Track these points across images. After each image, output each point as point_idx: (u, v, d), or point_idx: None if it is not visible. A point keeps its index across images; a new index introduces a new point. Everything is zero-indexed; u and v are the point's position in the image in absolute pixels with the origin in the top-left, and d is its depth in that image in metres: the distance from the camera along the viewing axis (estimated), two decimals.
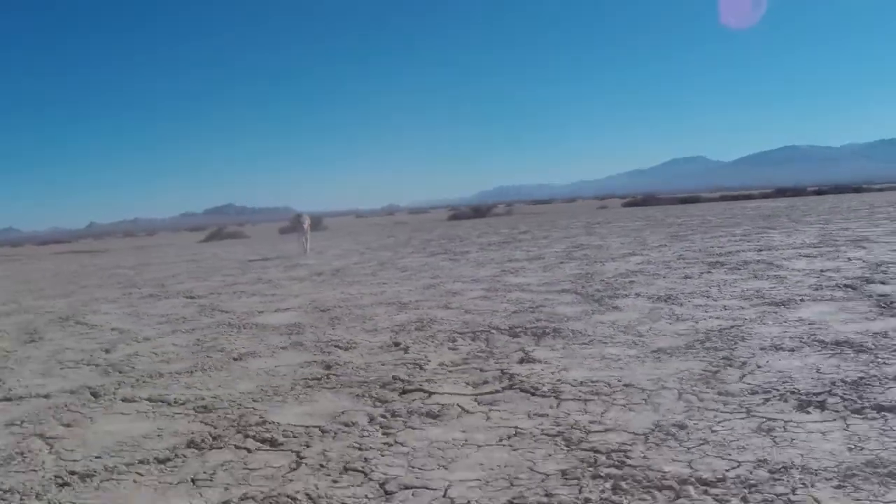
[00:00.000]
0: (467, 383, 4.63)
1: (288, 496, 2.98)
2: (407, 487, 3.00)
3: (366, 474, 3.17)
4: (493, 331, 6.38)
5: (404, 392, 4.52)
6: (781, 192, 66.51)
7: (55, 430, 4.29)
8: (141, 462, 3.57)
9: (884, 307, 6.35)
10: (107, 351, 6.96)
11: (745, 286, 8.16)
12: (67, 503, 3.15)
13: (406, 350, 5.84)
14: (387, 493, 2.96)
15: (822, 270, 9.15)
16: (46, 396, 5.20)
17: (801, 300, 7.02)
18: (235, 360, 5.98)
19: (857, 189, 64.54)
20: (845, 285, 7.77)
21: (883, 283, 7.80)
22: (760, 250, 12.50)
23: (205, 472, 3.36)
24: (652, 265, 11.08)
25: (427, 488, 2.98)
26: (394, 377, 4.92)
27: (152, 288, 13.52)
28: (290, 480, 3.19)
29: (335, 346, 6.21)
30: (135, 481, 3.32)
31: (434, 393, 4.45)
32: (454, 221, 48.76)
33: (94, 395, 5.11)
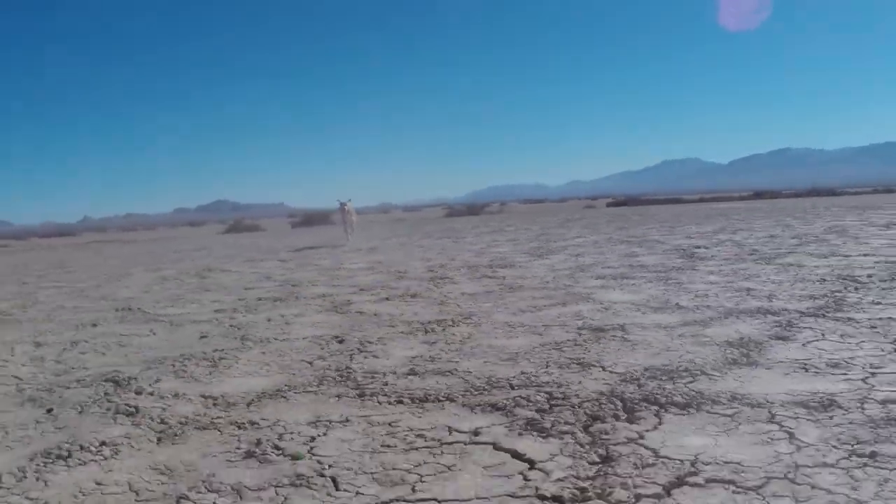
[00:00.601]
0: (468, 277, 10.60)
1: (412, 291, 9.00)
2: (448, 294, 8.95)
3: (437, 289, 9.16)
4: (480, 266, 12.33)
5: (441, 279, 10.50)
6: (758, 195, 70.78)
7: (292, 292, 10.17)
8: (350, 293, 9.48)
9: (682, 256, 12.28)
10: (268, 277, 12.81)
11: (628, 251, 14.10)
12: (333, 293, 9.04)
13: (436, 272, 11.76)
14: (443, 292, 8.93)
15: (681, 244, 15.09)
16: (268, 290, 11.06)
17: (647, 254, 12.97)
18: (349, 277, 11.88)
19: (833, 193, 69.05)
20: (682, 249, 13.73)
21: (706, 248, 13.74)
22: (665, 235, 18.47)
23: (375, 294, 9.29)
24: (586, 242, 17.07)
25: (454, 293, 8.95)
26: (435, 276, 10.91)
27: (239, 258, 19.23)
28: (411, 288, 9.19)
29: (398, 272, 12.13)
30: (356, 293, 9.26)
31: (454, 279, 10.43)
32: (450, 218, 54.56)
33: (294, 286, 11.00)
